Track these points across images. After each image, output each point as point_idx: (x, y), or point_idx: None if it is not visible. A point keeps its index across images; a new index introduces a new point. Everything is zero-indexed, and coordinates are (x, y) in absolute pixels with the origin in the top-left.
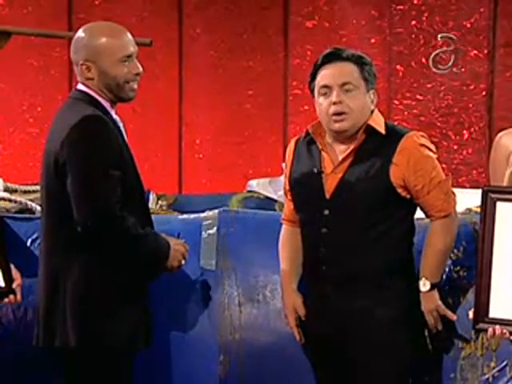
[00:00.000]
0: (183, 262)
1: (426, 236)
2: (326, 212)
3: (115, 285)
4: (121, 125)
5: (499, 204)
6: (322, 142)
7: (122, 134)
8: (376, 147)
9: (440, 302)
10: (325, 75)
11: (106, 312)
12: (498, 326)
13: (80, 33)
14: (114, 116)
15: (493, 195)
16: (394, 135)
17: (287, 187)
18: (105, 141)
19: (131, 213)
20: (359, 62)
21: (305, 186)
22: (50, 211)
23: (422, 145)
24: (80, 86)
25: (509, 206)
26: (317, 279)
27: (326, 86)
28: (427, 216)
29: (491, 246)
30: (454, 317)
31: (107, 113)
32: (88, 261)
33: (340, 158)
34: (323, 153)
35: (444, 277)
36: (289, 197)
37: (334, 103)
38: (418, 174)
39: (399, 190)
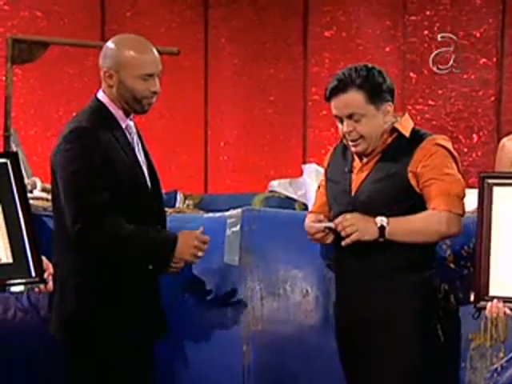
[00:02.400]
0: (200, 253)
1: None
2: (350, 208)
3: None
4: (133, 132)
5: (496, 189)
6: None
7: (128, 142)
8: (400, 148)
9: (357, 235)
10: (333, 107)
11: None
12: (496, 300)
13: (110, 42)
14: (124, 124)
15: (489, 180)
16: (417, 138)
17: (323, 183)
18: (87, 154)
19: (128, 214)
20: (365, 86)
21: (336, 184)
22: (53, 211)
23: (439, 144)
24: (99, 93)
25: (506, 191)
26: (341, 272)
27: (336, 116)
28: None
29: (489, 229)
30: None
31: (113, 122)
32: (79, 259)
33: (365, 159)
34: (354, 154)
35: (454, 274)
36: (322, 190)
37: (347, 132)
38: (425, 165)
39: (416, 186)
